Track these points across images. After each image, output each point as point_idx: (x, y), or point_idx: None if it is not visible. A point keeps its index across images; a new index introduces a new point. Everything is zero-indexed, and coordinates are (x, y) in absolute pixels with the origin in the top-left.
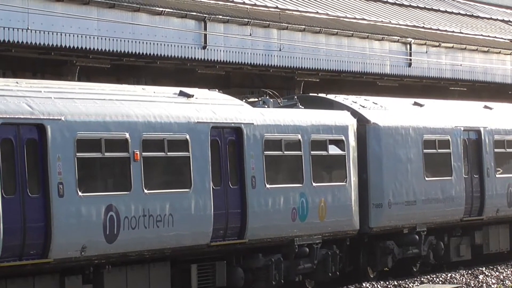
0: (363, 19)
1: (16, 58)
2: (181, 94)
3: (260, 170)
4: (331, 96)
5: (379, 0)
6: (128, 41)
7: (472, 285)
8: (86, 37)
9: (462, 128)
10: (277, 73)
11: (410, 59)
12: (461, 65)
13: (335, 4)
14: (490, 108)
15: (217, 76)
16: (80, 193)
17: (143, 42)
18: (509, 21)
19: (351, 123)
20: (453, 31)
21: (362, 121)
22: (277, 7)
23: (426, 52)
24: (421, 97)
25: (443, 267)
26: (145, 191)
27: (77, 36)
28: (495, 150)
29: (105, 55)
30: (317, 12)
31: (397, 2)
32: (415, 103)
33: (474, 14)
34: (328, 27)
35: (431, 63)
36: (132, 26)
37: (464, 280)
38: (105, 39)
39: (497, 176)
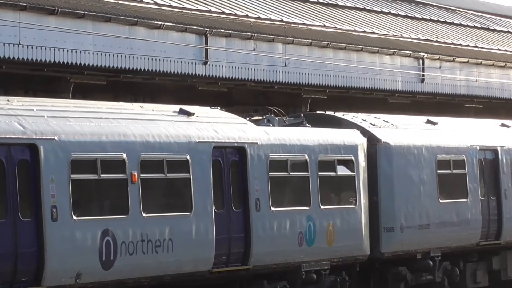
0: (373, 32)
1: (7, 74)
2: (181, 112)
3: (264, 192)
4: (339, 114)
5: (390, 12)
6: (125, 56)
7: None
8: (81, 52)
9: (478, 147)
10: (282, 90)
11: (423, 75)
12: (476, 80)
13: (343, 17)
14: (508, 126)
15: (219, 93)
16: (74, 217)
17: (141, 58)
18: None
19: (361, 143)
20: (468, 45)
21: (372, 140)
22: (282, 20)
23: (440, 67)
24: (435, 114)
25: None
26: (144, 214)
27: (72, 51)
28: None
29: (101, 71)
30: (324, 26)
31: (408, 14)
32: (428, 121)
33: (490, 27)
34: (336, 41)
35: (445, 79)
36: (129, 40)
37: None
38: (101, 54)
39: None
